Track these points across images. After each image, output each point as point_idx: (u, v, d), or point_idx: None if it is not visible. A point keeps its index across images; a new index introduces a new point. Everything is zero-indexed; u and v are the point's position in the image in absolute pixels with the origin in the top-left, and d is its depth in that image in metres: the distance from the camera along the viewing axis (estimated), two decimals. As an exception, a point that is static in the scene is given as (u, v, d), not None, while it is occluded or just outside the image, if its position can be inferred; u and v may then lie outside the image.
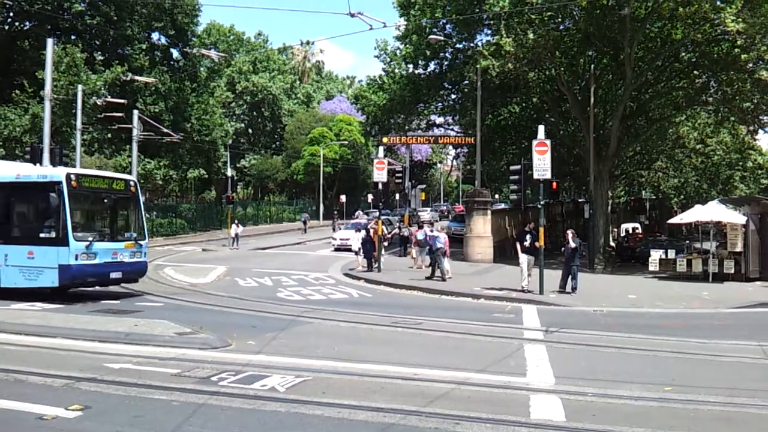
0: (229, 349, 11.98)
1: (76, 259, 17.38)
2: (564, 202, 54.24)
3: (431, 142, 55.65)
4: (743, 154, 45.99)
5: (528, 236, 21.47)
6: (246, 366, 10.42)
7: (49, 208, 17.60)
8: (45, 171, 18.63)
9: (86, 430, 7.36)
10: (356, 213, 64.35)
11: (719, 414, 8.50)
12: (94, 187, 18.91)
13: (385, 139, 40.88)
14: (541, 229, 21.04)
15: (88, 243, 17.66)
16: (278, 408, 8.18)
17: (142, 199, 20.57)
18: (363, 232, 28.70)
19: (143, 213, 20.39)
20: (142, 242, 19.56)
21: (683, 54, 33.04)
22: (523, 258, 21.18)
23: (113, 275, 18.62)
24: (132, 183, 20.11)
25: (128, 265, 18.95)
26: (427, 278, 24.21)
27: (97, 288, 19.56)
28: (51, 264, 17.33)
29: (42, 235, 17.73)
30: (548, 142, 20.88)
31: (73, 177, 17.97)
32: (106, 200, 19.38)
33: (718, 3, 26.87)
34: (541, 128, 21.47)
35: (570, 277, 21.45)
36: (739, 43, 27.84)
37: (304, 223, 57.54)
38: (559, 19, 30.83)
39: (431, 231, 26.77)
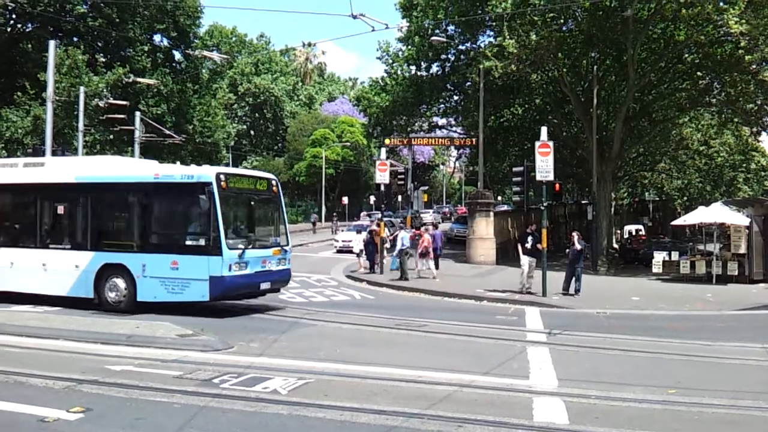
0: (231, 351, 11.95)
1: (230, 269, 15.45)
2: (567, 203, 54.17)
3: (434, 144, 55.64)
4: (747, 156, 45.93)
5: (530, 238, 21.43)
6: (248, 368, 10.40)
7: (197, 213, 15.81)
8: (190, 170, 16.60)
9: (87, 433, 7.32)
10: (361, 214, 64.25)
11: (723, 417, 8.46)
12: (240, 187, 16.86)
13: (387, 141, 40.79)
14: (544, 231, 20.99)
15: (240, 251, 15.76)
16: (280, 410, 8.15)
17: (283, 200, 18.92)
18: (365, 234, 28.62)
19: (285, 215, 18.62)
20: (287, 248, 17.80)
21: (686, 55, 32.99)
22: (525, 260, 21.15)
23: (263, 286, 16.82)
24: (274, 182, 18.05)
25: (276, 274, 17.11)
26: (398, 279, 24.16)
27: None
28: (200, 275, 15.39)
29: (188, 242, 15.83)
30: (551, 143, 20.87)
31: (222, 177, 15.96)
32: (252, 202, 17.39)
33: (722, 4, 26.81)
34: (544, 130, 21.44)
35: (573, 279, 21.40)
36: (742, 44, 27.78)
37: (314, 224, 58.31)
38: (562, 21, 30.80)
39: (404, 232, 26.58)
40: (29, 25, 38.81)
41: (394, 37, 52.46)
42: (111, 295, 16.29)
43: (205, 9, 47.86)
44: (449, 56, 38.28)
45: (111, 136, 37.62)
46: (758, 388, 9.84)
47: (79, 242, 17.10)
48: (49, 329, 13.26)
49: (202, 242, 15.62)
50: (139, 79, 36.63)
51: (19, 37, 38.24)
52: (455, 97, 42.59)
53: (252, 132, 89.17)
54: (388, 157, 32.36)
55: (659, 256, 28.67)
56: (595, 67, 33.32)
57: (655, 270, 28.16)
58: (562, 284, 21.59)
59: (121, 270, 16.18)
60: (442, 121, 46.42)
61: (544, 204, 21.64)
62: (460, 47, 37.43)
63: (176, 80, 44.66)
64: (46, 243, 17.53)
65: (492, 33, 34.57)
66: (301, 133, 77.96)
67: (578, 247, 21.65)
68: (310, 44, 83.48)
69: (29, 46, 37.57)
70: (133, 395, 8.74)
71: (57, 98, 27.99)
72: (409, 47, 38.18)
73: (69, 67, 31.73)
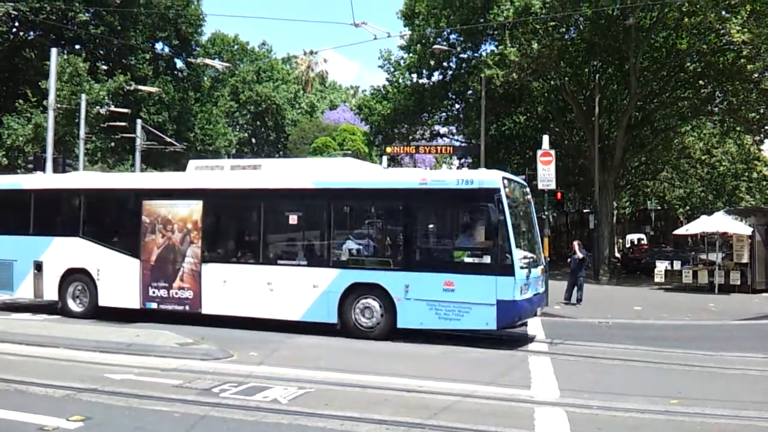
0: (231, 360, 11.90)
1: (521, 292, 13.52)
2: (569, 212, 54.12)
3: (435, 152, 55.58)
4: (749, 165, 45.82)
5: None
6: (248, 377, 10.35)
7: (480, 225, 13.81)
8: (466, 175, 14.44)
9: (87, 442, 7.29)
10: None
11: (726, 427, 8.39)
12: (515, 195, 14.69)
13: (388, 149, 40.79)
14: (546, 240, 20.95)
15: (527, 271, 13.81)
16: (280, 420, 8.10)
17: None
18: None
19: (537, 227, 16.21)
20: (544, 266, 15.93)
21: (689, 64, 33.02)
22: None
23: (538, 310, 15.23)
24: (528, 188, 16.06)
25: (540, 297, 15.26)
26: None
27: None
28: (485, 299, 13.31)
29: (468, 260, 13.75)
30: (553, 152, 20.92)
31: (506, 182, 13.92)
32: (521, 212, 15.05)
33: (724, 13, 26.86)
34: (546, 138, 21.48)
35: (575, 288, 21.34)
36: (744, 53, 27.82)
37: None
38: (564, 29, 30.87)
39: None
40: (31, 33, 38.92)
41: (396, 45, 52.61)
42: (362, 320, 14.37)
43: (207, 17, 48.08)
44: (451, 64, 38.35)
45: (112, 144, 37.71)
46: (761, 399, 9.77)
47: (318, 258, 15.11)
48: (49, 337, 13.22)
49: (487, 260, 13.49)
50: (140, 87, 36.70)
51: (21, 45, 38.32)
52: (457, 106, 42.64)
53: (253, 140, 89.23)
54: (389, 166, 32.28)
55: (661, 266, 28.58)
56: (597, 75, 33.33)
57: (657, 279, 28.07)
58: (564, 294, 21.53)
59: (377, 291, 14.23)
60: (443, 130, 46.45)
61: (546, 213, 21.59)
62: (462, 55, 37.50)
63: (178, 88, 44.80)
64: (272, 259, 15.45)
65: (494, 41, 34.63)
66: (303, 141, 78.02)
67: (579, 255, 21.61)
68: (312, 52, 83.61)
69: (31, 54, 37.63)
70: (133, 404, 8.69)
71: (58, 106, 28.04)
72: (411, 55, 38.26)
73: (70, 75, 31.78)
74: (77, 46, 38.00)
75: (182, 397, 9.07)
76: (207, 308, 15.61)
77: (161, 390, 9.46)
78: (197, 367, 11.17)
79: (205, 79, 51.84)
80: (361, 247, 14.94)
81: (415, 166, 73.74)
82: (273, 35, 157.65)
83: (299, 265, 15.11)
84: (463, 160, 52.21)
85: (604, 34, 30.36)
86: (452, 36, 36.09)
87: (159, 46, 45.93)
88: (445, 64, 38.02)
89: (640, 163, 44.95)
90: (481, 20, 31.30)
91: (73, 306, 16.89)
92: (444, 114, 43.54)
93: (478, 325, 13.68)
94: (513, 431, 7.81)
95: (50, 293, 17.12)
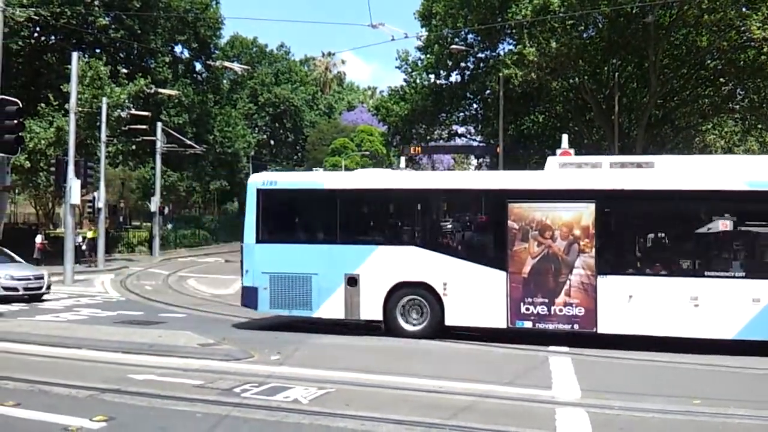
0: (252, 360, 11.97)
1: None
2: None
3: (453, 153, 55.54)
4: (771, 163, 45.25)
5: None
6: (269, 377, 10.41)
7: None
8: None
9: (110, 442, 7.37)
10: None
11: (748, 427, 8.34)
12: None
13: (410, 149, 40.82)
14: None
15: None
16: (301, 420, 8.14)
17: None
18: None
19: None
20: None
21: (709, 61, 32.72)
22: None
23: None
24: None
25: None
26: None
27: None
28: None
29: None
30: (572, 151, 20.77)
31: None
32: None
33: (744, 10, 26.62)
34: (565, 137, 21.40)
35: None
36: (765, 50, 27.54)
37: None
38: (582, 28, 30.70)
39: None
40: (52, 37, 39.35)
41: (414, 46, 52.58)
42: None
43: (226, 20, 48.37)
44: (468, 64, 38.32)
45: (133, 147, 38.05)
46: (784, 399, 9.68)
47: (759, 267, 13.28)
48: (72, 338, 13.39)
49: None
50: (160, 90, 37.01)
51: (43, 49, 38.76)
52: (475, 106, 42.59)
53: (272, 141, 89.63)
54: (407, 166, 32.28)
55: (683, 264, 28.19)
56: (617, 73, 33.10)
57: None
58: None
59: None
60: (461, 130, 46.37)
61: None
62: (480, 55, 37.46)
63: (197, 91, 45.15)
64: (697, 270, 13.52)
65: (512, 41, 34.54)
66: (321, 142, 78.32)
67: None
68: (329, 54, 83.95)
69: (53, 58, 38.06)
70: (156, 404, 8.78)
71: (80, 109, 28.32)
72: (428, 56, 38.27)
73: (91, 79, 32.10)
74: (98, 50, 38.35)
75: (204, 397, 9.14)
76: (604, 327, 13.59)
77: (183, 390, 9.54)
78: (219, 367, 11.24)
79: (224, 81, 52.18)
80: None
81: (433, 167, 73.88)
82: (291, 37, 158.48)
83: (734, 276, 13.22)
84: (481, 160, 52.10)
85: (623, 32, 30.17)
86: (470, 36, 36.04)
87: (178, 49, 46.35)
88: (462, 64, 38.00)
89: (661, 162, 44.57)
90: (499, 20, 31.22)
91: (406, 325, 14.55)
92: (462, 114, 43.49)
93: None
94: (534, 431, 7.78)
95: (370, 311, 14.67)
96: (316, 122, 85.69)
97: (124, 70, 38.23)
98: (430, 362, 12.31)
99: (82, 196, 28.23)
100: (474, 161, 74.90)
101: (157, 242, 40.78)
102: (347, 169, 72.79)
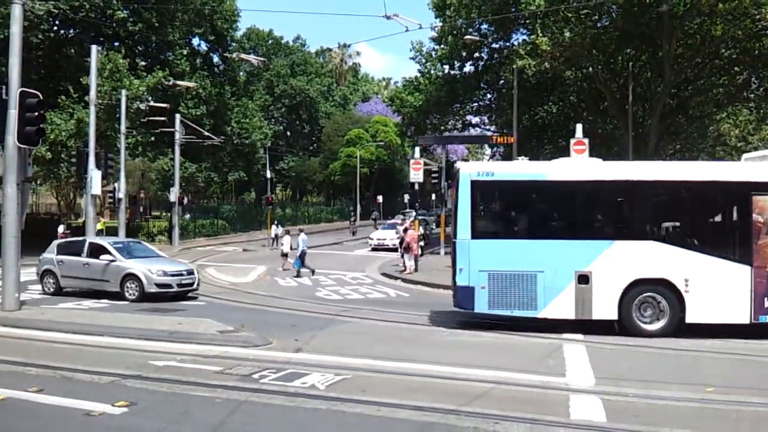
0: (270, 347, 12.15)
1: None
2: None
3: (467, 143, 55.39)
4: (787, 152, 44.85)
5: None
6: (286, 364, 10.58)
7: None
8: None
9: (132, 427, 7.57)
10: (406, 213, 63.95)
11: (763, 415, 8.40)
12: None
13: (421, 140, 40.86)
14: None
15: None
16: (318, 405, 8.29)
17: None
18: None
19: None
20: None
21: (723, 50, 32.42)
22: None
23: None
24: None
25: None
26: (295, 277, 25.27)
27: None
28: None
29: None
30: (586, 140, 20.70)
31: None
32: None
33: (759, -2, 26.36)
34: (579, 127, 21.31)
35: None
36: (781, 38, 27.30)
37: (353, 222, 56.92)
38: (596, 17, 30.49)
39: (304, 234, 27.36)
40: (71, 30, 39.65)
41: (428, 37, 52.44)
42: None
43: (242, 12, 48.45)
44: (482, 55, 38.22)
45: (152, 138, 38.33)
46: (799, 387, 9.71)
47: None
48: (94, 326, 13.67)
49: None
50: (178, 82, 37.21)
51: (62, 42, 39.06)
52: (489, 96, 42.50)
53: (288, 133, 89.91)
54: (421, 156, 32.40)
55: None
56: (631, 63, 32.87)
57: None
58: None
59: None
60: (475, 120, 46.30)
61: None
62: (494, 46, 37.34)
63: (214, 83, 45.33)
64: None
65: (525, 31, 34.40)
66: (336, 133, 78.47)
67: None
68: (345, 45, 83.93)
69: (72, 51, 38.35)
70: (176, 390, 8.98)
71: (99, 101, 28.57)
72: (443, 46, 38.21)
73: (110, 71, 32.36)
74: (116, 43, 38.61)
75: (223, 383, 9.33)
76: None
77: (203, 376, 9.74)
78: (238, 353, 11.44)
79: (241, 73, 52.29)
80: None
81: (447, 157, 73.78)
82: (307, 29, 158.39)
83: None
84: (495, 150, 51.98)
85: (637, 22, 29.92)
86: (483, 26, 35.92)
87: (195, 41, 46.52)
88: (476, 54, 37.90)
89: (675, 151, 44.24)
90: (513, 10, 31.09)
91: (644, 324, 13.80)
92: (476, 104, 43.41)
93: None
94: (548, 418, 7.88)
95: (603, 310, 13.84)
96: (331, 113, 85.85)
97: (143, 63, 38.48)
98: (445, 350, 12.42)
99: (102, 186, 28.52)
100: (488, 151, 74.80)
101: (176, 232, 41.13)
102: (362, 159, 73.02)
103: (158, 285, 18.53)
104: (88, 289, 19.52)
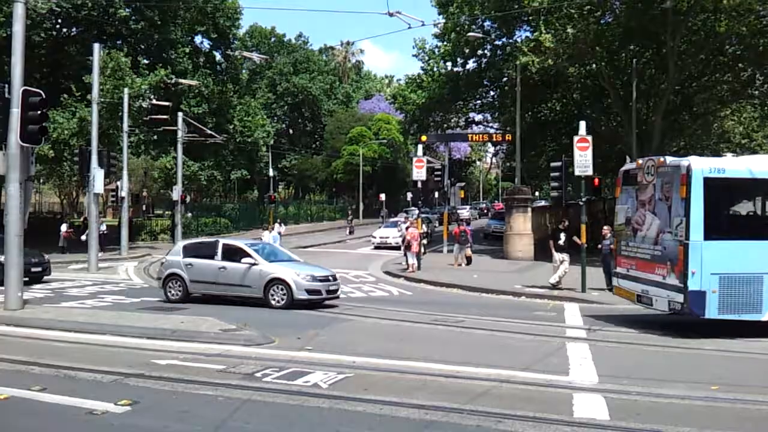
0: (273, 345, 12.15)
1: None
2: (606, 198, 53.37)
3: (470, 140, 55.35)
4: (790, 149, 44.76)
5: (561, 234, 21.30)
6: (289, 362, 10.57)
7: None
8: None
9: (135, 425, 7.55)
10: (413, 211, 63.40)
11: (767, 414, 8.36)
12: None
13: (423, 138, 40.82)
14: (583, 227, 20.82)
15: None
16: (321, 404, 8.28)
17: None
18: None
19: None
20: None
21: (728, 47, 32.32)
22: (557, 256, 21.05)
23: None
24: None
25: None
26: None
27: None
28: None
29: None
30: (590, 138, 20.65)
31: None
32: None
33: (764, -6, 26.29)
34: (583, 124, 21.24)
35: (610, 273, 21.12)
36: (785, 35, 27.23)
37: (350, 221, 54.64)
38: (599, 14, 30.42)
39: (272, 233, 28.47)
40: (74, 29, 39.64)
41: (431, 34, 52.43)
42: None
43: (244, 10, 48.37)
44: (485, 52, 38.15)
45: (155, 136, 38.32)
46: (803, 385, 9.68)
47: None
48: (96, 324, 13.66)
49: None
50: (180, 81, 37.22)
51: (64, 40, 39.05)
52: (492, 93, 42.47)
53: (291, 131, 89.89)
54: (424, 154, 32.34)
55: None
56: (634, 60, 32.81)
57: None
58: (604, 280, 21.36)
59: None
60: (478, 117, 46.28)
61: (583, 199, 21.43)
62: (497, 43, 37.27)
63: (217, 81, 45.29)
64: None
65: (529, 28, 34.35)
66: (339, 131, 78.43)
67: (608, 242, 21.35)
68: (348, 43, 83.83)
69: (74, 49, 38.35)
70: (179, 389, 8.97)
71: (101, 100, 28.61)
72: (445, 44, 38.17)
73: (113, 70, 32.35)
74: (118, 41, 38.56)
75: (226, 381, 9.32)
76: None
77: (205, 375, 9.73)
78: (240, 352, 11.44)
79: (244, 71, 52.20)
80: None
81: (450, 154, 73.78)
82: (309, 26, 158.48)
83: None
84: (498, 147, 51.93)
85: (641, 18, 29.85)
86: (486, 23, 35.88)
87: (198, 39, 46.46)
88: (479, 51, 37.83)
89: (679, 148, 44.02)
90: (516, 6, 31.04)
91: None
92: (479, 101, 43.38)
93: None
94: (551, 416, 7.85)
95: None
96: (334, 111, 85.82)
97: (145, 61, 38.50)
98: (448, 348, 12.41)
99: (105, 185, 28.55)
100: (491, 148, 74.78)
101: (179, 230, 41.10)
102: (365, 157, 72.99)
103: (308, 291, 17.09)
104: (220, 295, 17.81)
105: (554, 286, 20.75)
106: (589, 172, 20.60)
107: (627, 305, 18.52)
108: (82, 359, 10.72)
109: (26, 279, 17.78)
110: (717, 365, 11.18)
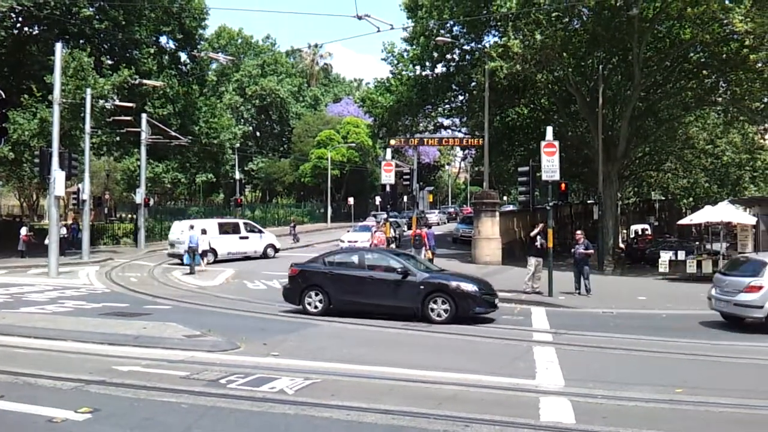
0: (238, 351, 11.99)
1: None
2: (573, 203, 54.04)
3: (439, 144, 55.61)
4: (753, 155, 45.66)
5: (538, 237, 21.45)
6: (255, 368, 10.43)
7: None
8: None
9: (95, 433, 7.35)
10: (382, 215, 62.36)
11: (731, 416, 8.45)
12: None
13: (392, 141, 40.84)
14: (550, 231, 20.98)
15: None
16: (287, 410, 8.17)
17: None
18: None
19: None
20: None
21: (692, 54, 32.91)
22: (531, 260, 21.18)
23: None
24: None
25: None
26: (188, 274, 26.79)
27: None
28: None
29: None
30: (557, 143, 20.84)
31: None
32: None
33: (727, 3, 26.79)
34: (550, 129, 21.42)
35: (582, 278, 21.37)
36: (747, 43, 27.77)
37: (293, 228, 48.65)
38: (567, 20, 30.74)
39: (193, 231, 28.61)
40: (36, 27, 38.84)
41: (400, 38, 52.45)
42: None
43: (212, 10, 47.90)
44: (454, 56, 38.28)
45: (117, 138, 37.70)
46: (766, 387, 9.81)
47: None
48: (57, 330, 13.33)
49: None
50: (145, 81, 36.67)
51: (26, 40, 38.25)
52: (460, 97, 42.62)
53: (258, 133, 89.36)
54: (393, 158, 32.34)
55: (665, 256, 28.55)
56: (601, 66, 33.23)
57: (661, 269, 28.06)
58: (573, 284, 21.55)
59: None
60: (447, 122, 46.44)
61: (550, 204, 21.60)
62: (465, 47, 37.43)
63: (182, 82, 44.74)
64: None
65: (497, 33, 34.57)
66: (307, 134, 78.13)
67: (582, 248, 21.60)
68: (316, 45, 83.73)
69: (35, 48, 37.61)
70: (141, 396, 8.77)
71: (63, 100, 28.06)
72: (414, 47, 38.22)
73: (75, 70, 31.71)
74: (81, 41, 37.84)
75: (190, 388, 9.14)
76: None
77: (169, 381, 9.54)
78: (204, 358, 11.25)
79: (211, 73, 51.67)
80: None
81: (418, 159, 73.95)
82: (277, 29, 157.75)
83: None
84: (467, 152, 52.16)
85: (608, 25, 30.26)
86: (455, 28, 36.01)
87: (163, 40, 45.81)
88: (448, 56, 37.94)
89: (644, 154, 44.83)
90: (485, 12, 31.23)
91: None
92: (447, 106, 43.52)
93: None
94: (518, 420, 7.85)
95: None
96: (302, 114, 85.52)
97: (108, 61, 37.87)
98: (416, 353, 12.37)
99: (66, 187, 27.99)
100: (460, 153, 75.16)
101: (142, 234, 40.57)
102: (333, 161, 72.84)
103: None
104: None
105: (534, 291, 20.85)
106: (557, 177, 20.78)
107: (594, 309, 18.75)
108: (41, 366, 10.44)
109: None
110: (682, 368, 11.31)
